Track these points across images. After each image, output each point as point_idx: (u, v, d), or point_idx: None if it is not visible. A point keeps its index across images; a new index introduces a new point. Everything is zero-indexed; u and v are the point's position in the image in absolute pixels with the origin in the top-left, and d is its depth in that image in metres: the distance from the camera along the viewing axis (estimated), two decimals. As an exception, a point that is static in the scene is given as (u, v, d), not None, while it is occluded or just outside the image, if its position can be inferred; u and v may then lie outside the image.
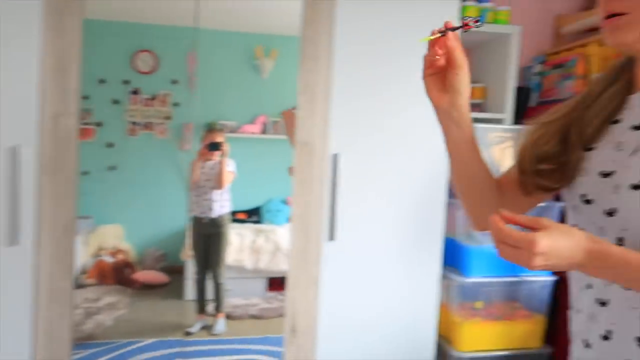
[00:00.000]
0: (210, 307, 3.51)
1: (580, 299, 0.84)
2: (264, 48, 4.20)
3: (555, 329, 2.13)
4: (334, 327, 1.94)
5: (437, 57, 0.81)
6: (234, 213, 3.78)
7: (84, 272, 3.99)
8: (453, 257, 2.08)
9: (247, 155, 4.09)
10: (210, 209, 3.41)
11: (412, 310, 2.01)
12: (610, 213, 0.75)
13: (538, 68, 2.32)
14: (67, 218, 1.74)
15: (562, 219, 1.98)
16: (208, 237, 3.44)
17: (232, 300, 3.79)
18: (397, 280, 1.99)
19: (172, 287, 3.97)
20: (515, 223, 0.69)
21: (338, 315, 1.93)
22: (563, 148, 0.84)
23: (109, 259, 4.08)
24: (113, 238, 4.21)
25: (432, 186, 1.98)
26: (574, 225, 0.85)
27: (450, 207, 2.03)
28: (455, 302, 2.06)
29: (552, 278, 2.07)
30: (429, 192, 1.98)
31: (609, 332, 0.76)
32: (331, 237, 1.90)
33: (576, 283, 0.85)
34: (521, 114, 2.25)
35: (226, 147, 3.34)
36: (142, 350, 3.16)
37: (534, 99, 2.33)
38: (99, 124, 3.97)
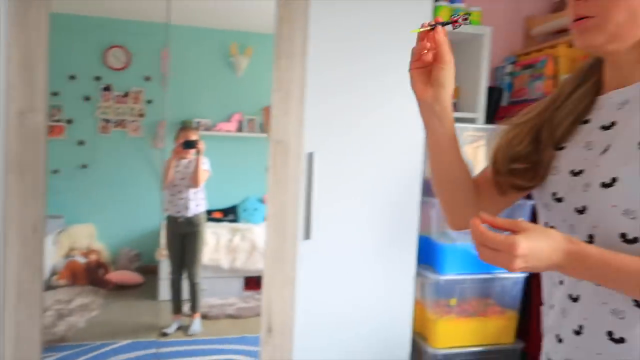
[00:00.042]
0: (185, 307, 3.46)
1: (552, 295, 0.85)
2: (239, 45, 4.16)
3: (527, 324, 2.18)
4: (310, 325, 1.94)
5: (425, 51, 0.82)
6: (209, 212, 3.74)
7: (54, 273, 3.89)
8: (428, 255, 2.10)
9: (223, 153, 4.05)
10: (186, 207, 3.36)
11: (388, 308, 2.03)
12: (580, 211, 0.77)
13: (509, 68, 2.36)
14: (36, 218, 1.70)
15: (533, 217, 2.03)
16: (184, 237, 3.39)
17: (209, 300, 3.75)
18: (372, 278, 2.00)
19: (146, 287, 3.91)
20: (495, 226, 0.70)
21: (314, 314, 1.93)
22: (535, 148, 0.85)
23: (81, 260, 3.99)
24: (85, 238, 4.11)
25: (407, 185, 1.99)
26: (545, 223, 0.86)
27: (425, 205, 2.05)
28: (430, 299, 2.09)
29: (523, 275, 2.11)
30: (404, 191, 1.99)
31: (581, 326, 0.78)
32: (307, 236, 1.90)
33: (548, 279, 0.87)
34: (493, 114, 2.28)
35: (202, 145, 3.30)
36: (116, 352, 3.10)
37: (505, 99, 2.36)
38: (69, 121, 3.87)
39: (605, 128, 0.78)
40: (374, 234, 1.98)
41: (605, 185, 0.72)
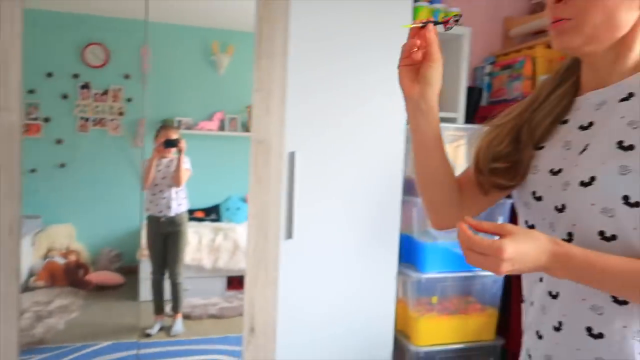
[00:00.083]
0: (167, 308, 3.43)
1: (532, 292, 0.87)
2: (220, 43, 4.13)
3: (507, 321, 2.21)
4: (293, 325, 1.94)
5: (415, 48, 0.82)
6: (191, 212, 3.71)
7: (33, 274, 3.82)
8: (409, 253, 2.12)
9: (205, 152, 4.01)
10: (168, 207, 3.32)
11: (370, 306, 2.04)
12: (560, 209, 0.78)
13: (488, 69, 2.39)
14: (11, 218, 1.66)
15: (513, 216, 2.05)
16: (166, 236, 3.36)
17: (191, 300, 3.72)
18: (354, 277, 2.00)
19: (127, 287, 3.86)
20: (481, 230, 0.71)
21: (297, 313, 1.93)
22: (515, 148, 0.87)
23: (60, 260, 3.92)
24: (64, 238, 4.05)
25: (389, 184, 2.00)
26: (525, 222, 0.88)
27: (406, 204, 2.06)
28: (412, 297, 2.10)
29: (503, 272, 2.13)
30: (386, 190, 2.00)
31: (560, 323, 0.80)
32: (289, 235, 1.90)
33: (528, 277, 0.88)
34: (473, 113, 2.31)
35: (183, 144, 3.27)
36: (96, 353, 3.06)
37: (485, 99, 2.39)
38: (46, 120, 3.79)
39: (584, 128, 0.79)
40: (355, 233, 1.98)
41: (584, 184, 0.74)
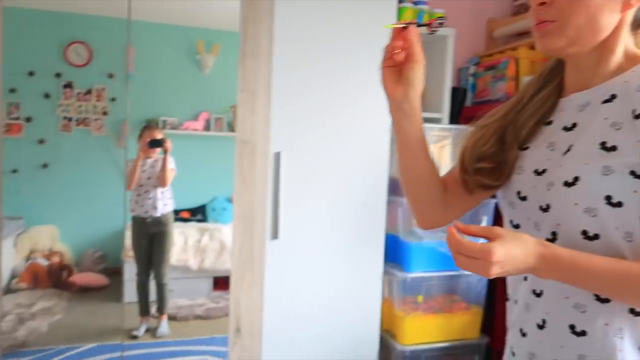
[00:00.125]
0: (152, 309, 3.40)
1: (516, 290, 0.88)
2: (205, 43, 4.10)
3: (492, 319, 2.23)
4: (279, 325, 1.93)
5: (397, 50, 0.83)
6: (177, 212, 3.68)
7: (15, 276, 3.76)
8: (395, 253, 2.13)
9: (190, 152, 3.98)
10: (154, 207, 3.29)
11: (356, 306, 2.04)
12: (544, 209, 0.79)
13: (472, 69, 2.41)
14: (-9, 222, 1.63)
15: (497, 215, 2.07)
16: (152, 237, 3.33)
17: (177, 301, 3.70)
18: (340, 277, 2.01)
19: (111, 289, 3.82)
20: (469, 234, 0.72)
21: (283, 314, 1.93)
22: (500, 148, 0.88)
23: (43, 262, 3.87)
24: (47, 239, 3.99)
25: (374, 184, 2.01)
26: (510, 221, 0.88)
27: (392, 204, 2.07)
28: (398, 297, 2.11)
29: (487, 271, 2.15)
30: (371, 190, 2.01)
31: (544, 321, 0.81)
32: (274, 235, 1.89)
33: (512, 275, 0.89)
34: (457, 114, 2.32)
35: (169, 144, 3.24)
36: (80, 356, 3.03)
37: (469, 99, 2.41)
38: (28, 119, 3.74)
39: (567, 129, 0.81)
40: (341, 233, 1.99)
41: (568, 184, 0.75)
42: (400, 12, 2.09)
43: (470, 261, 0.68)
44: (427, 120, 2.21)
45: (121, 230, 3.59)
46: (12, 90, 3.74)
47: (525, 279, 0.84)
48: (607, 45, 0.77)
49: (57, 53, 3.74)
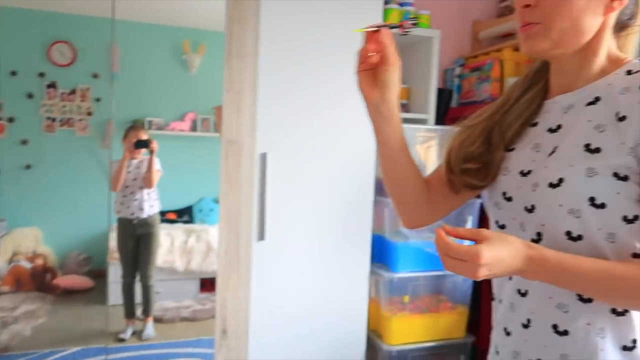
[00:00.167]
0: (138, 311, 3.37)
1: (501, 290, 0.88)
2: (191, 43, 4.08)
3: (478, 319, 2.24)
4: (266, 326, 1.92)
5: (370, 53, 0.83)
6: (163, 213, 3.65)
7: (-3, 279, 3.71)
8: (381, 253, 2.13)
9: (177, 153, 3.96)
10: (141, 209, 3.26)
11: (343, 306, 2.04)
12: (529, 209, 0.80)
13: (458, 71, 2.42)
14: (-29, 224, 1.60)
15: (482, 215, 2.09)
16: (138, 239, 3.29)
17: (164, 303, 3.67)
18: (327, 277, 2.01)
19: (95, 292, 3.78)
20: (457, 236, 0.72)
21: (269, 315, 1.92)
22: (487, 149, 0.88)
23: (26, 265, 3.81)
24: (30, 242, 3.94)
25: (361, 184, 2.01)
26: (496, 222, 0.89)
27: (378, 205, 2.07)
28: (384, 297, 2.12)
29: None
30: (358, 191, 2.01)
31: (529, 320, 0.81)
32: (261, 236, 1.88)
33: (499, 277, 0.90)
34: (443, 115, 2.33)
35: (155, 144, 3.21)
36: (65, 359, 2.99)
37: (455, 100, 2.42)
38: (11, 120, 3.68)
39: (552, 131, 0.81)
40: (328, 233, 1.99)
41: (553, 186, 0.75)
42: (386, 13, 2.10)
43: (458, 263, 0.69)
44: (413, 121, 2.22)
45: (106, 232, 3.55)
46: (-6, 90, 3.69)
47: (510, 278, 0.85)
48: (590, 48, 0.78)
49: (40, 52, 3.69)
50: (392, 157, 0.90)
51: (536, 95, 0.87)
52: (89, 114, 3.83)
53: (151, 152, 3.18)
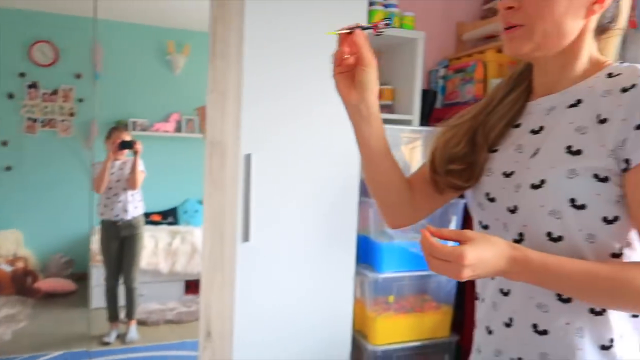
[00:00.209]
0: (121, 314, 3.33)
1: (484, 289, 0.89)
2: (176, 43, 4.05)
3: (462, 318, 2.26)
4: (250, 328, 1.91)
5: (346, 55, 0.82)
6: (147, 215, 3.61)
7: (-24, 283, 3.64)
8: (366, 254, 2.14)
9: (161, 154, 3.93)
10: (125, 210, 3.21)
11: (328, 307, 2.04)
12: (512, 210, 0.80)
13: (442, 72, 2.44)
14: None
15: (466, 215, 2.11)
16: (122, 241, 3.25)
17: (148, 306, 3.63)
18: (312, 278, 2.00)
19: (77, 295, 3.73)
20: (442, 237, 0.72)
21: (254, 316, 1.91)
22: (471, 149, 0.88)
23: (6, 268, 3.75)
24: (11, 244, 3.87)
25: (345, 185, 2.01)
26: (479, 222, 0.90)
27: (363, 205, 2.08)
28: (369, 297, 2.12)
29: (457, 270, 2.18)
30: (342, 191, 2.01)
31: (511, 319, 0.82)
32: (245, 238, 1.87)
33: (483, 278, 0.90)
34: (428, 116, 2.35)
35: (139, 145, 3.17)
36: (46, 364, 2.94)
37: (439, 101, 2.44)
38: (-10, 121, 3.63)
39: (535, 132, 0.82)
40: (313, 234, 1.98)
41: (534, 187, 0.76)
42: (370, 14, 2.10)
43: (442, 264, 0.69)
44: (398, 122, 2.23)
45: (88, 235, 3.50)
46: (-27, 90, 3.63)
47: (493, 278, 0.85)
48: (572, 50, 0.79)
49: (20, 52, 3.63)
50: (373, 158, 0.90)
51: (519, 97, 0.88)
52: (72, 114, 3.79)
53: (135, 153, 3.14)
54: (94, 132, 3.56)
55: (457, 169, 0.88)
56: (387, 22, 0.84)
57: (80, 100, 3.80)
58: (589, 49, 0.80)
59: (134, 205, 3.25)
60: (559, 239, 0.74)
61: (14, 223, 3.82)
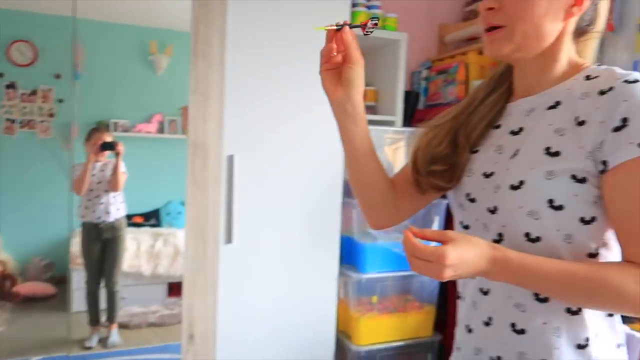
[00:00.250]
0: (103, 318, 3.28)
1: (465, 288, 0.90)
2: (158, 43, 4.00)
3: (444, 317, 2.28)
4: (234, 330, 1.90)
5: (333, 53, 0.83)
6: (129, 217, 3.56)
7: (-48, 287, 3.56)
8: (350, 254, 2.14)
9: (143, 155, 3.88)
10: (107, 212, 3.17)
11: (312, 308, 2.04)
12: (492, 211, 0.81)
13: (425, 73, 2.46)
14: None
15: (448, 216, 2.12)
16: (104, 243, 3.20)
17: (130, 309, 3.58)
18: (296, 280, 2.00)
19: (57, 299, 3.66)
20: (423, 237, 0.72)
21: (237, 318, 1.90)
22: (453, 150, 0.89)
23: (-17, 272, 3.67)
24: (-12, 248, 3.79)
25: (329, 186, 2.01)
26: (460, 222, 0.90)
27: (347, 206, 2.08)
28: (353, 298, 2.12)
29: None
30: (326, 192, 2.01)
31: (490, 318, 0.83)
32: (228, 239, 1.86)
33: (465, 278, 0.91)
34: (411, 117, 2.36)
35: (121, 147, 3.13)
36: (25, 369, 2.89)
37: (422, 103, 2.46)
38: (-33, 121, 3.55)
39: (515, 133, 0.83)
40: (296, 235, 1.98)
41: (514, 188, 0.77)
42: (353, 15, 2.11)
43: (424, 264, 0.69)
44: (381, 123, 2.24)
45: (68, 237, 3.44)
46: (-51, 90, 3.54)
47: (474, 277, 0.86)
48: (551, 52, 0.80)
49: (-2, 52, 3.56)
50: (358, 158, 0.90)
51: (500, 98, 0.89)
52: (51, 115, 3.72)
53: (117, 154, 3.10)
54: (74, 133, 3.51)
55: (439, 169, 0.89)
56: (376, 22, 0.84)
57: (60, 101, 3.74)
58: (568, 52, 0.81)
59: (116, 207, 3.21)
60: (537, 239, 0.75)
61: (-8, 226, 3.73)
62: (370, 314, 2.13)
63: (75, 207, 3.18)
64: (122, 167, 3.15)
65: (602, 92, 0.72)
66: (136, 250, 3.82)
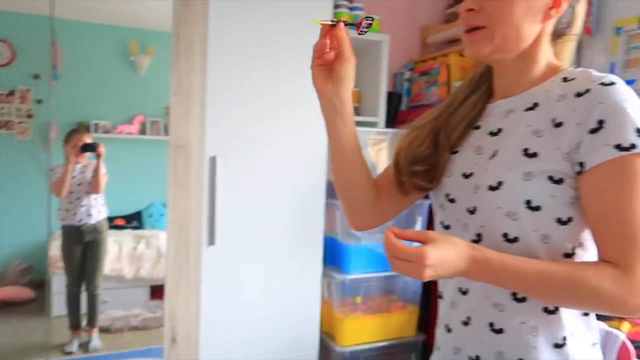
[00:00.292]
0: (84, 322, 3.22)
1: (444, 288, 0.91)
2: (140, 44, 3.96)
3: (428, 317, 2.30)
4: (217, 332, 1.89)
5: (326, 49, 0.83)
6: (111, 219, 3.51)
7: None
8: (333, 255, 2.14)
9: (125, 157, 3.83)
10: (89, 215, 3.12)
11: (296, 309, 2.03)
12: (471, 211, 0.82)
13: (407, 75, 2.47)
14: None
15: (431, 216, 2.14)
16: (85, 246, 3.15)
17: (111, 313, 3.53)
18: (280, 281, 1.99)
19: (37, 303, 3.59)
20: (404, 238, 0.72)
21: (221, 321, 1.89)
22: (434, 151, 0.90)
23: (-40, 276, 3.59)
24: (-35, 252, 3.70)
25: (312, 187, 2.01)
26: (441, 222, 0.91)
27: (330, 207, 2.08)
28: (337, 298, 2.13)
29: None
30: (309, 193, 2.01)
31: (469, 317, 0.83)
32: (211, 241, 1.85)
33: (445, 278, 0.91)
34: (393, 118, 2.38)
35: (102, 148, 3.08)
36: (3, 376, 2.83)
37: (404, 104, 2.47)
38: (-58, 122, 3.46)
39: (493, 134, 0.84)
40: (280, 237, 1.97)
41: (492, 188, 0.77)
42: (336, 16, 2.12)
43: (404, 264, 0.70)
44: (364, 124, 2.25)
45: (47, 240, 3.38)
46: None
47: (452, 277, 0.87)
48: (529, 54, 0.81)
49: (-26, 51, 3.48)
50: (345, 156, 0.90)
51: (480, 99, 0.89)
52: (29, 116, 3.66)
53: (98, 156, 3.05)
54: (53, 134, 3.44)
55: (421, 170, 0.89)
56: (370, 22, 0.84)
57: (39, 102, 3.67)
58: (546, 54, 0.82)
59: (98, 210, 3.17)
60: (515, 240, 0.76)
61: (-32, 229, 3.64)
62: (354, 314, 2.14)
63: (54, 209, 3.12)
64: (103, 169, 3.10)
65: (579, 94, 0.73)
66: (118, 253, 3.77)
